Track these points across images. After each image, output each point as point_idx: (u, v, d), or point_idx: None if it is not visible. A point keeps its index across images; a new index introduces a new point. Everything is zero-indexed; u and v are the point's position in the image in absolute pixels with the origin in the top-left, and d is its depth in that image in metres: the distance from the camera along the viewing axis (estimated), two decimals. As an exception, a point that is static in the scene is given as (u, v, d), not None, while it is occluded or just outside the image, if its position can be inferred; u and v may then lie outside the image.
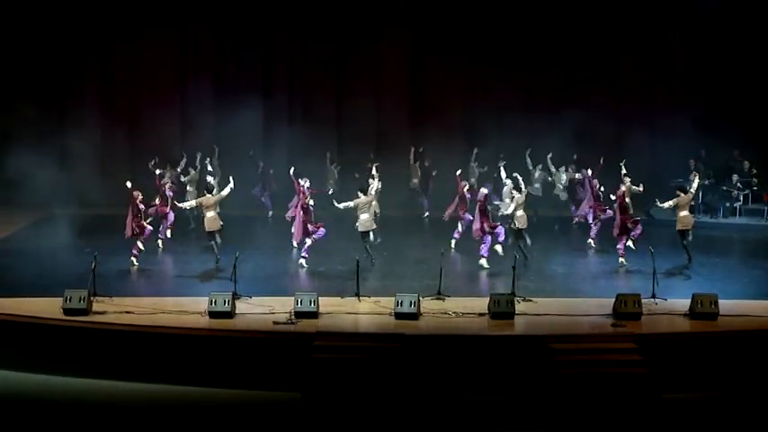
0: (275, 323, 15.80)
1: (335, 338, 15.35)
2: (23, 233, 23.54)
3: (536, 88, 28.18)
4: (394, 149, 27.71)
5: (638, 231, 20.31)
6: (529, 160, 24.93)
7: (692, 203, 25.44)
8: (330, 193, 24.27)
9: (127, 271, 19.44)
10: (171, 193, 21.74)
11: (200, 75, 27.52)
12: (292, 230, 20.96)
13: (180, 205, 20.47)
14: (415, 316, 16.12)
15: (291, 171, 21.23)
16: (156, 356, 15.37)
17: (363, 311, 16.64)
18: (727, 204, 25.89)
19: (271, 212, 26.02)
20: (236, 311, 16.21)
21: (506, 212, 20.14)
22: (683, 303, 16.60)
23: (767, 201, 25.65)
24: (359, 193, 20.04)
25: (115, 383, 15.12)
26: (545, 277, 19.43)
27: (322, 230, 19.85)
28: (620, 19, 28.20)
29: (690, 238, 20.21)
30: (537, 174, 24.88)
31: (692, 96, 27.99)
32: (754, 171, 26.07)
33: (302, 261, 19.91)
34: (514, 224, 19.81)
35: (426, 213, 26.38)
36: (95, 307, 16.24)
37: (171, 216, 21.55)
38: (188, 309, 16.43)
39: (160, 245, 21.47)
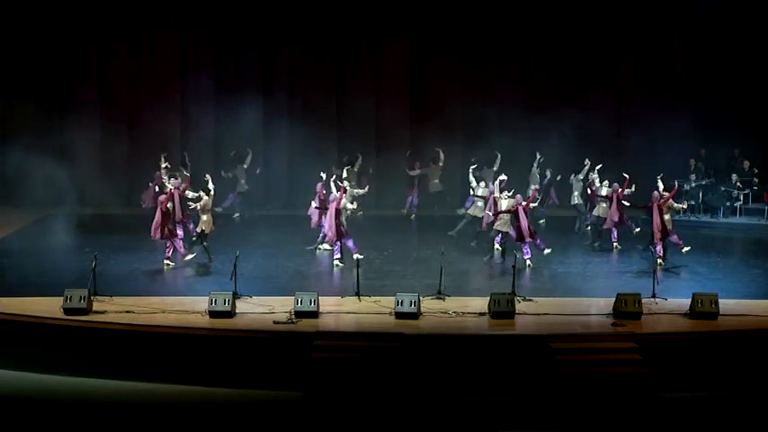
0: (275, 323, 15.80)
1: (335, 338, 15.37)
2: (23, 233, 23.52)
3: (536, 88, 28.16)
4: (394, 149, 27.71)
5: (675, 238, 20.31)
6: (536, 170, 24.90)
7: (693, 203, 25.67)
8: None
9: (127, 271, 19.43)
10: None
11: (200, 74, 27.48)
12: (323, 231, 20.57)
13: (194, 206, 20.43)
14: (415, 315, 16.13)
15: (323, 175, 21.29)
16: (156, 356, 15.37)
17: (363, 311, 16.63)
18: (727, 204, 25.88)
19: (237, 215, 25.81)
20: (236, 311, 16.21)
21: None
22: (683, 303, 16.60)
23: (767, 200, 25.63)
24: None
25: (115, 383, 15.12)
26: (545, 277, 19.44)
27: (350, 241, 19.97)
28: (621, 19, 28.19)
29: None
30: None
31: (692, 96, 28.00)
32: (755, 171, 26.05)
33: (337, 261, 19.96)
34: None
35: (413, 213, 26.32)
36: (95, 307, 16.25)
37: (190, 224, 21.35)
38: (188, 309, 16.44)
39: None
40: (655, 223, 19.85)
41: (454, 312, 16.51)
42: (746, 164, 26.32)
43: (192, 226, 21.20)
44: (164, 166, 23.30)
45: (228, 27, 28.05)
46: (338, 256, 19.96)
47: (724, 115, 26.60)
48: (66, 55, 27.78)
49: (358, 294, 17.26)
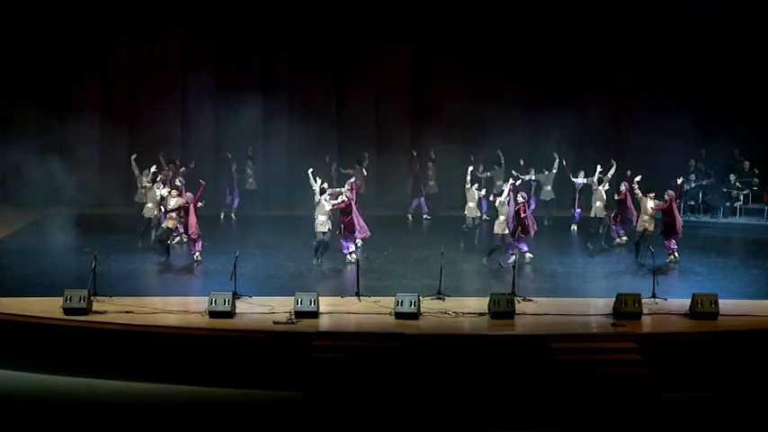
0: (275, 323, 15.80)
1: (335, 338, 15.37)
2: (23, 233, 23.52)
3: (536, 88, 28.15)
4: (394, 148, 27.72)
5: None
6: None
7: (693, 203, 25.68)
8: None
9: (127, 271, 19.43)
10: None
11: (200, 74, 27.49)
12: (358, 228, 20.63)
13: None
14: (415, 316, 16.12)
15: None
16: (156, 356, 15.36)
17: (363, 311, 16.63)
18: (727, 204, 25.88)
19: (233, 214, 25.81)
20: (236, 311, 16.21)
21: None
22: (683, 303, 16.60)
23: (767, 200, 25.63)
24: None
25: (115, 383, 15.12)
26: (545, 277, 19.44)
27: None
28: (621, 19, 28.18)
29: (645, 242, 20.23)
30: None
31: (692, 96, 27.99)
32: (755, 171, 26.06)
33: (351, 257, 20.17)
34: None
35: (423, 214, 26.33)
36: (95, 307, 16.24)
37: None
38: (188, 309, 16.44)
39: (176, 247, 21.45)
40: (677, 221, 20.00)
41: (454, 312, 16.51)
42: (746, 164, 26.34)
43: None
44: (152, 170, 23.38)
45: (228, 27, 28.05)
46: (352, 249, 20.17)
47: (724, 115, 26.62)
48: (66, 55, 27.77)
49: (358, 294, 17.26)
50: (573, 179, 23.39)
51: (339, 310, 16.69)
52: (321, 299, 16.41)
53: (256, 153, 26.72)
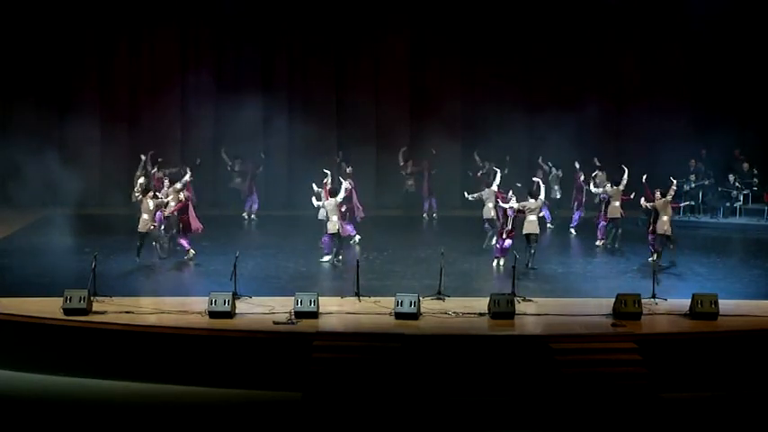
0: (275, 323, 15.80)
1: (335, 338, 15.37)
2: (23, 233, 23.52)
3: (536, 88, 28.16)
4: (394, 148, 27.70)
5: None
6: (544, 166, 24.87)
7: (693, 203, 25.67)
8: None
9: (127, 271, 19.43)
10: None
11: (200, 73, 27.49)
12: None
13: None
14: (415, 316, 16.12)
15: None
16: (155, 357, 15.36)
17: (363, 311, 16.62)
18: (727, 204, 25.88)
19: (254, 215, 25.80)
20: (236, 311, 16.20)
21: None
22: (683, 303, 16.60)
23: (767, 201, 25.63)
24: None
25: (115, 383, 15.11)
26: (545, 277, 19.43)
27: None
28: (621, 19, 28.18)
29: (667, 243, 20.11)
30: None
31: (692, 96, 27.99)
32: (755, 171, 26.05)
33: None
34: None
35: (426, 214, 26.29)
36: (95, 307, 16.24)
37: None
38: (188, 309, 16.43)
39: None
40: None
41: (454, 313, 16.50)
42: (746, 165, 26.33)
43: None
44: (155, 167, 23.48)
45: (228, 26, 28.05)
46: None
47: (724, 115, 26.61)
48: (66, 55, 27.77)
49: (358, 294, 17.25)
50: (594, 189, 22.45)
51: (339, 310, 16.68)
52: (321, 299, 16.41)
53: (255, 152, 26.64)
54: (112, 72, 28.15)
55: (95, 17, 27.73)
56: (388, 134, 28.26)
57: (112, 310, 16.28)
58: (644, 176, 21.45)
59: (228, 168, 26.03)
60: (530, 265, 19.54)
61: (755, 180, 25.94)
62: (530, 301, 17.19)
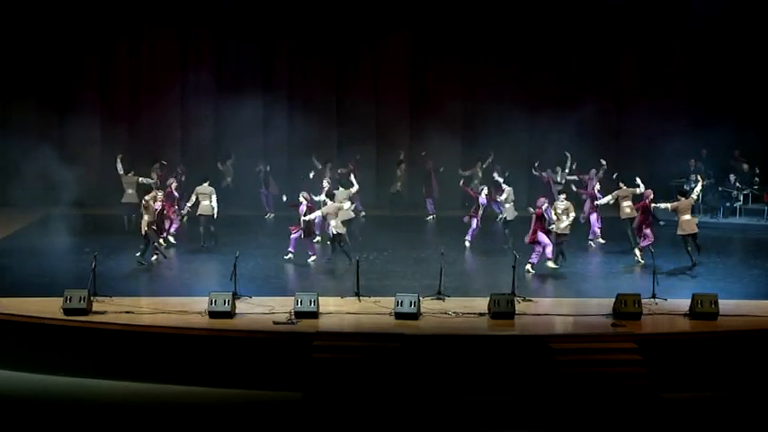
0: (275, 323, 15.79)
1: (335, 338, 15.36)
2: (23, 233, 23.52)
3: (536, 88, 28.15)
4: (394, 148, 27.72)
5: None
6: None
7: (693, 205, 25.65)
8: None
9: (127, 271, 19.43)
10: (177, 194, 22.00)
11: (200, 72, 27.49)
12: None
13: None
14: (415, 316, 16.12)
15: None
16: (155, 357, 15.36)
17: (363, 311, 16.62)
18: (727, 204, 25.89)
19: (271, 214, 25.87)
20: (236, 311, 16.20)
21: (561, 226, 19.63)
22: (683, 303, 16.60)
23: (767, 201, 25.64)
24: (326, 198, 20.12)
25: (115, 383, 15.11)
26: (545, 277, 19.43)
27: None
28: (621, 19, 28.20)
29: (692, 243, 19.96)
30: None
31: (692, 97, 27.99)
32: (755, 172, 26.06)
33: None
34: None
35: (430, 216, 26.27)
36: (95, 307, 16.24)
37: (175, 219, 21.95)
38: (188, 309, 16.43)
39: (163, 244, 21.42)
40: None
41: (454, 313, 16.50)
42: (746, 165, 26.34)
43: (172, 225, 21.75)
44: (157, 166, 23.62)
45: (228, 26, 28.06)
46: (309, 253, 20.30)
47: (724, 116, 26.60)
48: (66, 55, 27.77)
49: (358, 295, 17.25)
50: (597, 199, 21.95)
51: (339, 310, 16.68)
52: (321, 299, 16.41)
53: (256, 152, 26.65)
54: (112, 72, 28.15)
55: (95, 17, 27.73)
56: (388, 134, 28.27)
57: (112, 310, 16.28)
58: (614, 174, 21.97)
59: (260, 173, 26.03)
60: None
61: (756, 180, 25.94)
62: (530, 301, 17.19)
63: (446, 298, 17.23)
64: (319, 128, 27.13)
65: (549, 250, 19.39)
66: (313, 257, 20.20)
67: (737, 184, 25.83)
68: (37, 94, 27.44)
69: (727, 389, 15.09)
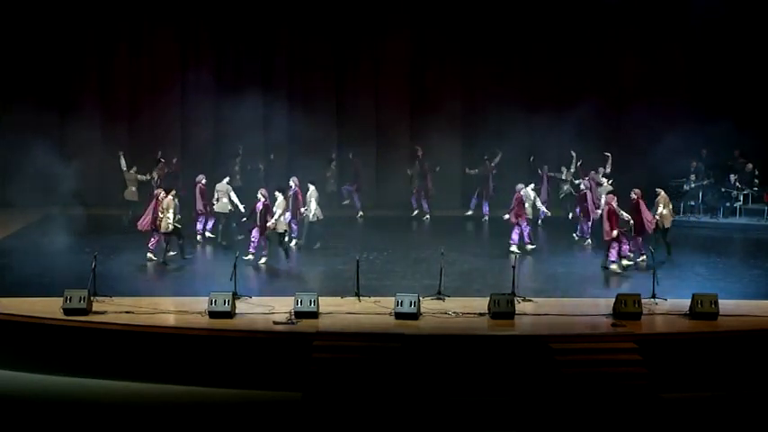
0: (275, 323, 15.80)
1: (335, 338, 15.35)
2: (23, 233, 23.52)
3: (536, 88, 28.16)
4: (394, 148, 27.72)
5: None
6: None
7: (693, 203, 25.67)
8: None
9: (127, 271, 19.43)
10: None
11: (200, 72, 27.50)
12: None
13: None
14: (415, 316, 16.12)
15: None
16: (155, 357, 15.36)
17: (363, 311, 16.62)
18: (727, 204, 25.88)
19: (360, 213, 26.06)
20: (236, 311, 16.20)
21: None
22: (683, 303, 16.60)
23: (767, 201, 25.63)
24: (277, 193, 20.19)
25: (115, 383, 15.11)
26: (545, 277, 19.44)
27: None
28: (621, 19, 28.19)
29: (662, 238, 20.22)
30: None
31: (692, 96, 27.98)
32: (755, 172, 26.05)
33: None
34: None
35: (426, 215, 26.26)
36: (95, 307, 16.24)
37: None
38: (188, 309, 16.43)
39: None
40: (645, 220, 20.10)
41: (454, 313, 16.50)
42: (747, 165, 26.32)
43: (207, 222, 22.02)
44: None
45: (228, 26, 28.05)
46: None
47: (724, 116, 26.58)
48: (67, 55, 27.77)
49: (358, 295, 17.26)
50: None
51: (339, 310, 16.67)
52: (321, 299, 16.41)
53: (256, 152, 26.65)
54: (112, 72, 28.16)
55: (95, 17, 27.73)
56: (388, 134, 28.27)
57: (112, 310, 16.28)
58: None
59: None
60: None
61: (755, 180, 25.94)
62: (530, 301, 17.19)
63: (446, 298, 17.23)
64: (319, 128, 27.13)
65: (624, 248, 19.82)
66: (251, 256, 20.02)
67: (737, 184, 25.82)
68: (37, 94, 27.42)
69: (727, 389, 15.09)
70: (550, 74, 28.24)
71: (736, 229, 25.28)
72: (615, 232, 19.39)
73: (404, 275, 19.25)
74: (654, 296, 17.04)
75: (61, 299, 16.04)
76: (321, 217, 21.63)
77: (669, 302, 16.99)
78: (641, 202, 20.10)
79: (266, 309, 16.47)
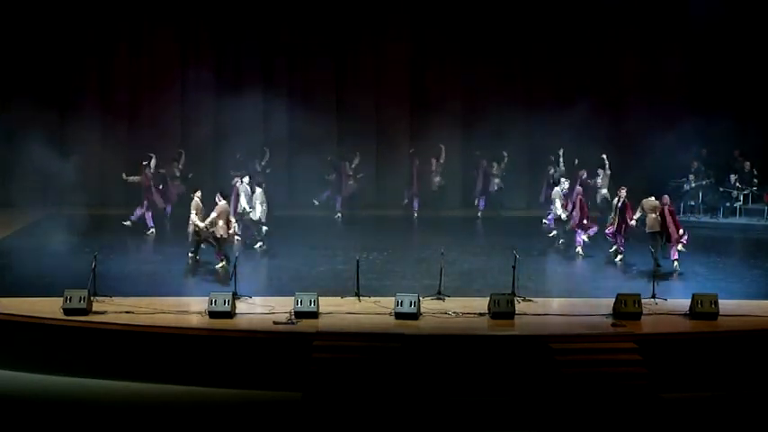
0: (275, 323, 15.79)
1: (335, 338, 15.35)
2: (23, 233, 23.52)
3: (536, 88, 28.16)
4: (394, 147, 27.71)
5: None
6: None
7: (693, 203, 25.66)
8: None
9: (127, 271, 19.42)
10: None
11: (200, 72, 27.49)
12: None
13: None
14: (415, 316, 16.11)
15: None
16: (155, 357, 15.36)
17: (363, 311, 16.62)
18: (727, 204, 25.88)
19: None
20: (236, 311, 16.20)
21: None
22: (683, 303, 16.60)
23: (767, 201, 25.63)
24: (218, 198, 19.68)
25: (115, 383, 15.11)
26: (545, 277, 19.43)
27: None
28: (621, 19, 28.18)
29: (655, 243, 19.87)
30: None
31: (692, 96, 27.97)
32: (755, 172, 26.05)
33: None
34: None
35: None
36: (95, 307, 16.24)
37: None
38: (188, 309, 16.44)
39: None
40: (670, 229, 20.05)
41: (454, 313, 16.50)
42: (746, 165, 26.32)
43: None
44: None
45: (228, 26, 28.05)
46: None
47: (724, 116, 26.58)
48: (66, 55, 27.76)
49: (358, 295, 17.26)
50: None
51: (339, 310, 16.67)
52: (321, 299, 16.41)
53: (255, 152, 26.66)
54: (112, 72, 28.15)
55: (95, 17, 27.72)
56: (387, 133, 28.26)
57: (112, 310, 16.27)
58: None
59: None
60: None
61: (755, 180, 25.93)
62: (530, 301, 17.19)
63: (446, 298, 17.23)
64: (319, 127, 27.12)
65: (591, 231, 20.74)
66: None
67: (737, 184, 25.81)
68: (37, 93, 27.39)
69: (727, 389, 15.09)
70: (550, 74, 28.23)
71: (736, 229, 25.27)
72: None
73: (404, 275, 19.25)
74: (654, 296, 17.04)
75: (61, 299, 16.04)
76: (264, 219, 21.42)
77: (669, 302, 16.99)
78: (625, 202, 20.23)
79: (266, 309, 16.47)
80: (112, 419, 13.90)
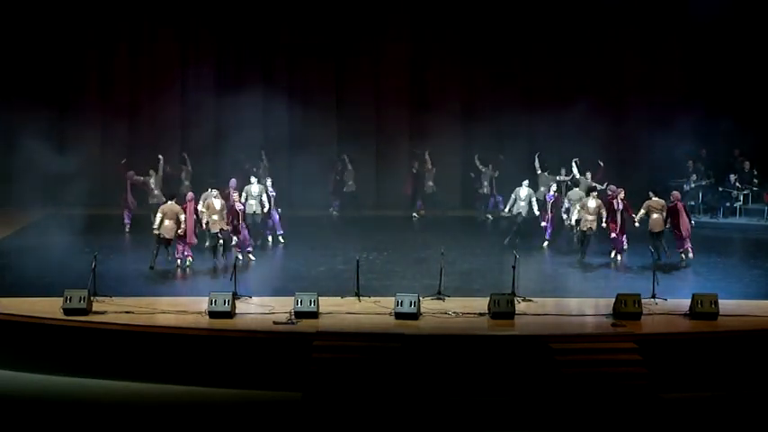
0: (275, 323, 15.80)
1: (335, 338, 15.35)
2: (23, 233, 23.52)
3: (536, 88, 28.17)
4: (394, 147, 27.72)
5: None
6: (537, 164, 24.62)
7: (693, 203, 25.66)
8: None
9: (127, 271, 19.42)
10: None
11: (200, 72, 27.51)
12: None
13: None
14: (415, 316, 16.12)
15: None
16: (155, 357, 15.36)
17: (363, 311, 16.62)
18: (727, 204, 25.88)
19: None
20: (236, 311, 16.20)
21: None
22: (683, 303, 16.60)
23: (767, 201, 25.63)
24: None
25: (115, 383, 15.11)
26: (545, 277, 19.44)
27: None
28: (621, 19, 28.20)
29: (657, 241, 20.07)
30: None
31: (692, 96, 27.98)
32: (755, 172, 26.06)
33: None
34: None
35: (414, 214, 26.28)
36: (95, 307, 16.24)
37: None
38: (188, 309, 16.43)
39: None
40: (682, 223, 20.04)
41: (454, 313, 16.51)
42: (747, 164, 26.33)
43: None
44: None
45: (228, 26, 28.07)
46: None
47: (724, 115, 26.60)
48: (67, 55, 27.79)
49: (358, 295, 17.26)
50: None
51: (339, 310, 16.67)
52: (321, 299, 16.41)
53: (255, 153, 26.67)
54: (112, 72, 28.16)
55: (95, 17, 27.74)
56: (387, 133, 28.27)
57: (112, 310, 16.28)
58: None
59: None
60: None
61: (755, 180, 25.94)
62: (530, 301, 17.19)
63: (446, 298, 17.23)
64: (319, 127, 27.13)
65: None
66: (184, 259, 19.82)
67: (737, 184, 25.82)
68: (37, 94, 27.42)
69: (727, 389, 15.09)
70: (550, 73, 28.24)
71: (736, 229, 25.27)
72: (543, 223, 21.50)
73: (404, 275, 19.25)
74: (654, 296, 17.04)
75: (61, 299, 16.04)
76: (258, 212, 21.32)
77: (669, 302, 16.99)
78: (615, 201, 20.19)
79: (266, 309, 16.47)
80: (112, 419, 13.90)
